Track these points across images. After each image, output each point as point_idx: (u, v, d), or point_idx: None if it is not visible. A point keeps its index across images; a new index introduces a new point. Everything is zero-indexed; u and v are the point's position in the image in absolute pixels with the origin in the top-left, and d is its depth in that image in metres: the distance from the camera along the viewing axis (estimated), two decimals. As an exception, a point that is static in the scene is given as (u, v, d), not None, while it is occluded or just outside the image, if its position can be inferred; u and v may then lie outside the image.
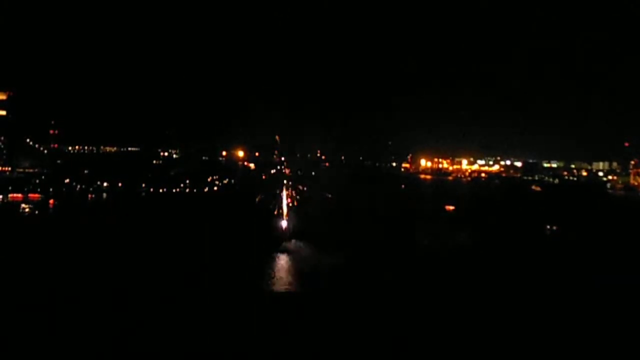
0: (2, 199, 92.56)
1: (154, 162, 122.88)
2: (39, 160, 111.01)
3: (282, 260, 62.94)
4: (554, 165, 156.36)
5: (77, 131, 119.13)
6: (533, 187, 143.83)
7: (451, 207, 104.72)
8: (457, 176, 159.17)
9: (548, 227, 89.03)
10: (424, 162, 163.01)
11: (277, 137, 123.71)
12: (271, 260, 61.59)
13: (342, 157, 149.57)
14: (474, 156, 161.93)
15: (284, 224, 73.44)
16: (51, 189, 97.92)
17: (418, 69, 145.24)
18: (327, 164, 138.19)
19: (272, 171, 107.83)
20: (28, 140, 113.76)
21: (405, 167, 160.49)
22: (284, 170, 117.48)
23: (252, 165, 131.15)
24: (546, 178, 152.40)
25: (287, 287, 53.39)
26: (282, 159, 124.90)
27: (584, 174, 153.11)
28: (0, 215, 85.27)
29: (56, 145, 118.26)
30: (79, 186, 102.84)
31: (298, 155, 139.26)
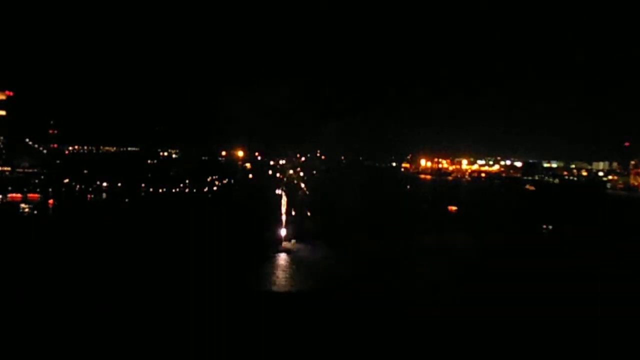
0: (2, 199, 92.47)
1: (149, 161, 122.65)
2: (38, 160, 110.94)
3: (282, 261, 62.86)
4: (554, 165, 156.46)
5: (77, 131, 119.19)
6: (527, 186, 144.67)
7: (454, 208, 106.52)
8: (457, 176, 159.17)
9: (544, 226, 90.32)
10: (424, 162, 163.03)
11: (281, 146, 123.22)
12: (270, 261, 61.54)
13: (343, 158, 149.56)
14: (474, 156, 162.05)
15: (283, 224, 73.30)
16: (51, 189, 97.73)
17: (418, 69, 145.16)
18: (314, 171, 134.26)
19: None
20: (28, 140, 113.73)
21: (405, 167, 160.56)
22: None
23: (248, 165, 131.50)
24: (546, 178, 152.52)
25: (285, 287, 53.32)
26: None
27: (584, 174, 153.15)
28: (0, 215, 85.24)
29: (56, 145, 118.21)
30: (78, 186, 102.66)
31: (299, 155, 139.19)
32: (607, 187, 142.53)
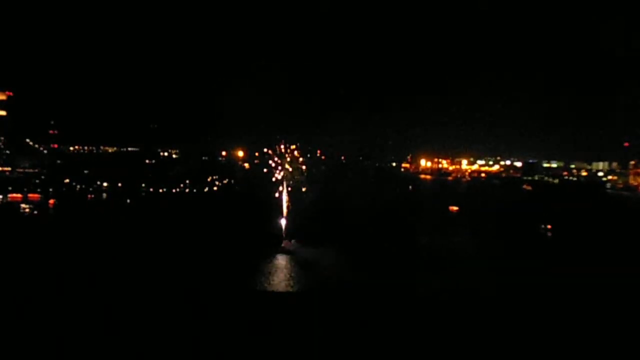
0: (2, 199, 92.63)
1: (148, 161, 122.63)
2: (39, 160, 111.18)
3: (282, 261, 62.99)
4: (554, 165, 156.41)
5: (77, 131, 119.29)
6: (524, 186, 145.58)
7: (455, 208, 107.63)
8: (457, 176, 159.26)
9: (542, 226, 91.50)
10: (424, 162, 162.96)
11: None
12: (270, 261, 61.67)
13: (343, 157, 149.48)
14: (474, 156, 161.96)
15: (283, 225, 73.31)
16: (51, 189, 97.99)
17: (418, 69, 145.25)
18: (314, 170, 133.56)
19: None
20: (28, 140, 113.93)
21: (405, 167, 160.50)
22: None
23: (247, 165, 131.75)
24: (546, 178, 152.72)
25: (285, 287, 53.41)
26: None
27: (584, 174, 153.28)
28: (0, 216, 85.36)
29: (56, 145, 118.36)
30: (78, 186, 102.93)
31: (299, 155, 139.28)
32: (607, 187, 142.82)
